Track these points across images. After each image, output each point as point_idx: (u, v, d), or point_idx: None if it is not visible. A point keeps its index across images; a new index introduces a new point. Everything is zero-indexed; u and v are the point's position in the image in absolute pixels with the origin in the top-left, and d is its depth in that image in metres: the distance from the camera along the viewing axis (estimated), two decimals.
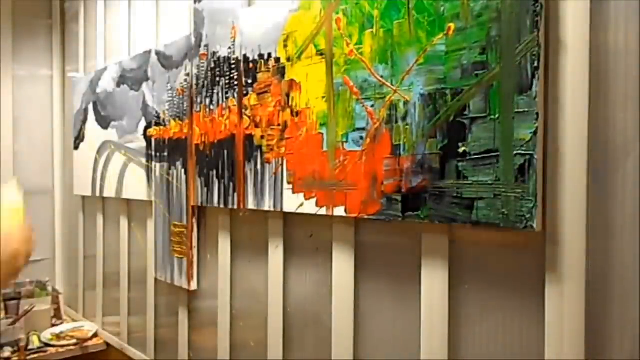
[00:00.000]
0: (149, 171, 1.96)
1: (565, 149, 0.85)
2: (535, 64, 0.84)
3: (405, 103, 1.03)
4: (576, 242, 0.84)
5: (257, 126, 1.41)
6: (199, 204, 1.67)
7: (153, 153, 1.93)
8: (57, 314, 2.55)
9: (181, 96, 1.75)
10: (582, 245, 0.83)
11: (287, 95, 1.31)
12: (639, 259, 0.79)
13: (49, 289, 2.59)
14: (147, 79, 1.96)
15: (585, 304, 0.83)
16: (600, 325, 0.83)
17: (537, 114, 0.84)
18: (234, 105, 1.49)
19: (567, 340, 0.85)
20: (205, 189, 1.62)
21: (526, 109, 0.85)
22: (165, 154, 1.84)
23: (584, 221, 0.83)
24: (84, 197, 2.59)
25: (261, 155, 1.39)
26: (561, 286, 0.85)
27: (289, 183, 1.30)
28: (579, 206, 0.83)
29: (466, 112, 0.93)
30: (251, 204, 1.44)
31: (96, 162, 2.37)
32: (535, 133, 0.84)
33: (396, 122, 1.04)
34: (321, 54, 1.21)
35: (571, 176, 0.84)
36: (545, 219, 0.86)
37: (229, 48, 1.51)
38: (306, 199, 1.25)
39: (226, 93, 1.52)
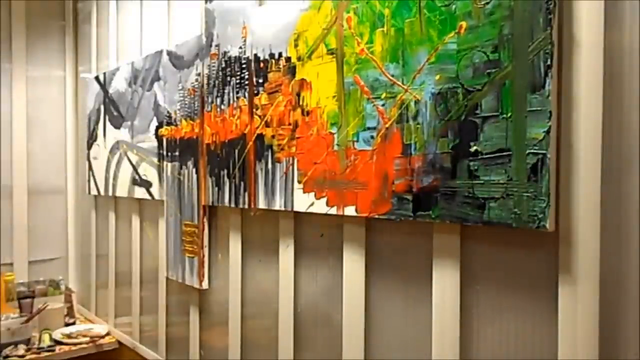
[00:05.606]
0: (160, 171, 1.97)
1: (578, 148, 0.84)
2: (549, 62, 0.83)
3: (417, 102, 1.02)
4: (590, 242, 0.83)
5: (267, 126, 1.41)
6: (210, 204, 1.67)
7: (164, 153, 1.94)
8: (70, 313, 2.57)
9: (192, 96, 1.75)
10: (596, 245, 0.82)
11: (298, 95, 1.31)
12: None
13: (62, 287, 2.61)
14: (159, 79, 1.98)
15: (599, 305, 0.82)
16: (614, 325, 0.82)
17: (550, 112, 0.83)
18: (245, 105, 1.49)
19: (580, 340, 0.84)
20: (216, 189, 1.63)
21: (539, 108, 0.84)
22: (177, 153, 1.85)
23: (598, 221, 0.82)
24: (96, 197, 2.62)
25: (272, 155, 1.39)
26: (574, 286, 0.84)
27: (299, 182, 1.30)
28: (593, 206, 0.82)
29: (478, 111, 0.92)
30: (262, 204, 1.44)
31: (108, 161, 2.39)
32: (548, 132, 0.83)
33: (407, 121, 1.04)
34: (332, 53, 1.21)
35: (585, 175, 0.83)
36: (558, 219, 0.85)
37: (240, 48, 1.51)
38: (317, 199, 1.25)
39: (237, 93, 1.52)
